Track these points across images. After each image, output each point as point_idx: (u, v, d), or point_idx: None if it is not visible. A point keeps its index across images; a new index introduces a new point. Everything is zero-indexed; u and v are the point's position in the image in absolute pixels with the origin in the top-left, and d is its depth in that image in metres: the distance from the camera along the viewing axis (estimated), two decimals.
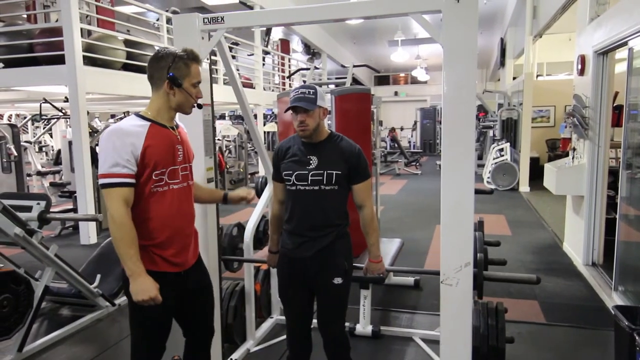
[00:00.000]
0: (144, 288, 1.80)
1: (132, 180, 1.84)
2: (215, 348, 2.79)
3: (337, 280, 2.25)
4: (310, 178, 2.21)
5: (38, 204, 3.53)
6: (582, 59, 4.88)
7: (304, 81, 6.45)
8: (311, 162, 2.22)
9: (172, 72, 1.91)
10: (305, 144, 2.26)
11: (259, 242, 3.77)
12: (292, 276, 2.34)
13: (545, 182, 5.65)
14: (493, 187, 9.78)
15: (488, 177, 10.21)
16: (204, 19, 2.50)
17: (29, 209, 3.49)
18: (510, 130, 10.86)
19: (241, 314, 3.29)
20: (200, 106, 2.08)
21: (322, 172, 2.20)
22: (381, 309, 4.00)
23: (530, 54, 9.84)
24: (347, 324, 3.12)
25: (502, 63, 14.05)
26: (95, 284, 3.88)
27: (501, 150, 10.26)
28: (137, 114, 1.96)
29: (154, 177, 1.89)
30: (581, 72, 4.92)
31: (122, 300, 4.16)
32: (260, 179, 4.72)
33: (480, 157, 12.77)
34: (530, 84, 9.63)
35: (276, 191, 2.42)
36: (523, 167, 9.83)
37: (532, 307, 4.00)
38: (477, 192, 2.41)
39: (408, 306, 4.06)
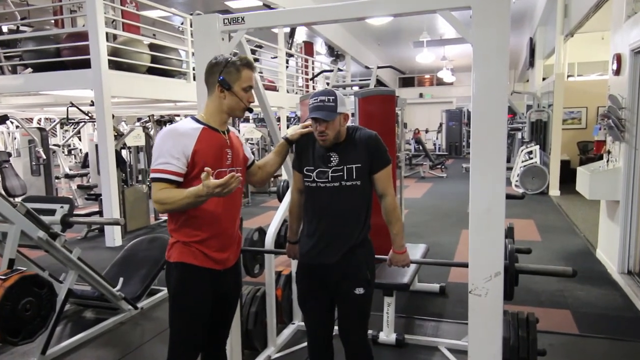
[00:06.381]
0: (209, 184, 1.77)
1: (179, 179, 1.94)
2: (235, 354, 2.75)
3: (359, 291, 2.17)
4: (330, 175, 2.16)
5: (61, 207, 3.56)
6: (618, 58, 4.70)
7: (327, 83, 6.39)
8: (332, 159, 2.18)
9: (222, 76, 2.01)
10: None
11: (280, 247, 3.71)
12: (312, 285, 2.27)
13: (577, 186, 5.45)
14: (521, 190, 9.53)
15: (516, 181, 9.97)
16: (224, 19, 2.45)
17: (52, 212, 3.51)
18: (539, 132, 10.59)
19: (262, 320, 3.24)
20: (251, 110, 2.12)
21: (341, 167, 2.15)
22: (405, 316, 3.89)
23: (561, 54, 9.57)
24: (370, 331, 3.04)
25: (532, 63, 13.75)
26: (118, 287, 3.88)
27: (530, 152, 10.00)
28: (193, 117, 2.08)
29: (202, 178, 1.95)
30: (617, 71, 4.74)
31: (144, 303, 4.17)
32: (282, 183, 4.66)
33: (508, 160, 12.49)
34: (561, 85, 9.38)
35: (296, 180, 2.36)
36: (553, 170, 9.57)
37: (564, 317, 3.84)
38: (508, 197, 2.30)
39: (433, 314, 3.94)
